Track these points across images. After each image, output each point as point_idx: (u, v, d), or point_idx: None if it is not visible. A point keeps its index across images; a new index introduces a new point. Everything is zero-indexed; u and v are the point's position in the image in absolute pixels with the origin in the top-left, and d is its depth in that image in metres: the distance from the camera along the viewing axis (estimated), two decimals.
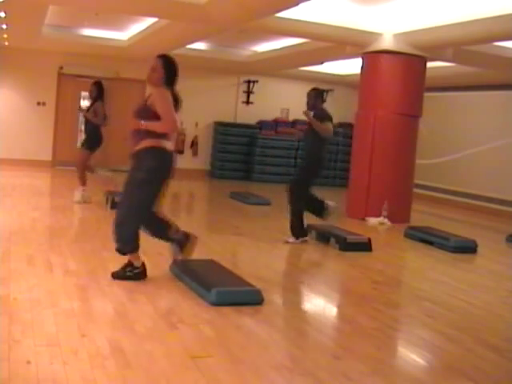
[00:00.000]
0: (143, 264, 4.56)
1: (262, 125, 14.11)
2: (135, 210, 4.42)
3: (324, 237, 6.79)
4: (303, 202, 6.66)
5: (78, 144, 8.71)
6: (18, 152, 12.41)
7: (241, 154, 14.02)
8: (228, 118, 14.20)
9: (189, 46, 11.31)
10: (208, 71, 13.67)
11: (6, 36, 10.81)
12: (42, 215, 7.29)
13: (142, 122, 4.33)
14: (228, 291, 4.18)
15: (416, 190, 10.00)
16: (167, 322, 3.69)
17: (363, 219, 8.74)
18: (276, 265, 5.98)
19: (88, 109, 8.43)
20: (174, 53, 11.43)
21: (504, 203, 11.00)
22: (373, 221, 8.62)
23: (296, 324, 4.07)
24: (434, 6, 7.73)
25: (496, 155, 11.28)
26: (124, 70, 12.65)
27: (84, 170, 8.23)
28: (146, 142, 4.35)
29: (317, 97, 6.70)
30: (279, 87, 14.37)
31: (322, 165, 6.75)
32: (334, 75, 13.56)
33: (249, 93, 14.37)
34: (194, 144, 14.02)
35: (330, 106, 14.39)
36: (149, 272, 4.63)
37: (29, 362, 2.89)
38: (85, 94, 10.50)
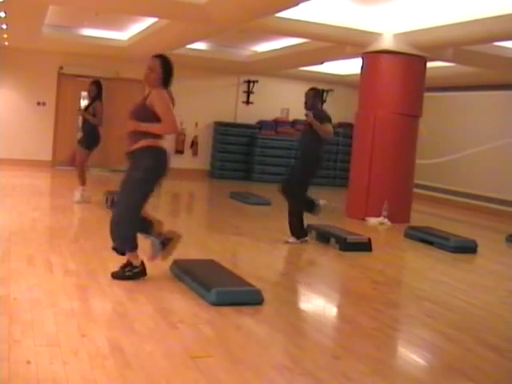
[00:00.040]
0: (142, 263, 4.56)
1: (261, 125, 14.11)
2: (133, 208, 4.43)
3: (324, 237, 6.79)
4: (303, 203, 6.66)
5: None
6: (18, 152, 12.40)
7: (241, 153, 14.02)
8: (228, 118, 14.20)
9: (189, 46, 11.31)
10: (208, 71, 13.67)
11: (5, 36, 10.81)
12: (42, 215, 7.29)
13: (142, 124, 4.33)
14: (228, 291, 4.18)
15: (416, 190, 10.00)
16: (167, 321, 3.69)
17: (363, 219, 8.74)
18: (276, 265, 5.98)
19: (86, 108, 8.38)
20: (174, 53, 11.45)
21: (504, 203, 10.99)
22: (373, 221, 8.62)
23: (296, 324, 4.07)
24: (434, 6, 7.73)
25: (496, 155, 11.28)
26: (124, 70, 12.64)
27: (83, 170, 8.23)
28: (143, 142, 4.37)
29: (315, 97, 6.69)
30: (279, 87, 14.37)
31: (320, 165, 6.75)
32: (334, 75, 13.56)
33: (249, 93, 14.37)
34: (193, 144, 14.02)
35: (329, 106, 14.55)
36: (149, 272, 4.63)
37: (29, 362, 2.89)
38: (85, 94, 10.47)
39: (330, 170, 14.40)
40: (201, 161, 14.15)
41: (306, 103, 6.66)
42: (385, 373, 3.22)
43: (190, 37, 10.18)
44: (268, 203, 9.72)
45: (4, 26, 9.87)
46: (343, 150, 14.05)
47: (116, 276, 4.50)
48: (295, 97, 13.75)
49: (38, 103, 12.80)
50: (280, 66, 12.78)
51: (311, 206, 6.79)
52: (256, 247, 6.48)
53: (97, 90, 8.25)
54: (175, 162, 13.68)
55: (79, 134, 8.69)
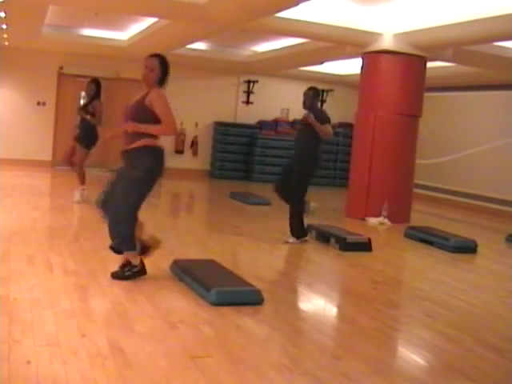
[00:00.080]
0: (141, 262, 4.56)
1: (261, 125, 14.11)
2: (132, 208, 4.44)
3: (324, 237, 6.79)
4: (303, 203, 6.66)
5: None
6: (18, 152, 12.40)
7: (241, 153, 14.02)
8: (228, 118, 14.20)
9: (189, 46, 11.31)
10: (208, 71, 13.67)
11: (6, 36, 10.81)
12: (42, 215, 7.29)
13: (142, 125, 4.33)
14: (228, 291, 4.18)
15: (416, 190, 10.00)
16: (167, 321, 3.69)
17: (363, 219, 8.74)
18: (276, 265, 5.99)
19: (84, 107, 8.30)
20: (174, 53, 11.46)
21: (504, 203, 10.99)
22: (373, 221, 8.62)
23: (296, 324, 4.07)
24: (434, 6, 7.73)
25: (496, 155, 11.28)
26: (124, 70, 12.63)
27: (83, 169, 8.21)
28: (143, 142, 4.37)
29: (314, 96, 6.69)
30: (279, 87, 14.37)
31: (318, 164, 6.75)
32: (334, 75, 13.56)
33: (249, 93, 14.37)
34: (193, 144, 14.02)
35: (329, 106, 14.58)
36: (149, 272, 4.63)
37: (29, 362, 2.89)
38: (84, 93, 10.45)
39: (330, 170, 14.41)
40: (201, 161, 14.15)
41: (304, 103, 6.66)
42: (385, 373, 3.22)
43: (190, 37, 10.18)
44: (268, 203, 9.71)
45: (4, 26, 9.88)
46: (343, 150, 14.05)
47: (116, 276, 4.50)
48: (295, 97, 13.71)
49: (38, 103, 12.80)
50: (280, 66, 12.78)
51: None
52: (256, 247, 6.49)
53: (96, 88, 8.18)
54: (175, 162, 13.75)
55: (76, 131, 8.58)
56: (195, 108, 13.80)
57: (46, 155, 12.85)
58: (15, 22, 9.45)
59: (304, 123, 6.61)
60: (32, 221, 6.67)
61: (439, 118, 12.40)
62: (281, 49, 11.18)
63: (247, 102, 14.41)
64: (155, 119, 4.36)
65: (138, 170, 4.37)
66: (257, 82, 14.24)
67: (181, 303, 4.12)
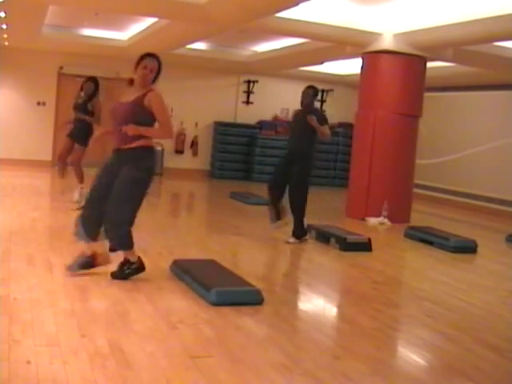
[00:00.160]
0: (139, 258, 4.57)
1: (261, 125, 14.11)
2: (133, 209, 4.44)
3: (324, 237, 6.79)
4: (305, 203, 6.65)
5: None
6: (18, 152, 12.40)
7: (241, 154, 14.02)
8: (228, 118, 14.20)
9: (189, 46, 11.31)
10: (208, 71, 13.67)
11: (5, 36, 10.81)
12: (42, 215, 7.29)
13: (141, 128, 4.33)
14: (228, 291, 4.18)
15: (416, 190, 10.00)
16: (167, 322, 3.69)
17: (363, 219, 8.74)
18: (276, 265, 5.99)
19: (83, 105, 8.21)
20: (174, 53, 11.47)
21: (504, 203, 11.00)
22: (373, 221, 8.62)
23: (296, 324, 4.07)
24: (434, 6, 7.73)
25: (496, 155, 11.28)
26: (124, 70, 12.59)
27: (81, 167, 8.19)
28: (141, 142, 4.38)
29: (314, 96, 6.70)
30: (279, 87, 14.37)
31: (314, 164, 6.76)
32: (334, 75, 13.56)
33: (249, 93, 14.37)
34: (193, 144, 14.02)
35: (329, 106, 14.59)
36: (149, 272, 4.63)
37: (29, 362, 2.89)
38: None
39: (330, 169, 14.41)
40: (201, 161, 14.15)
41: (302, 102, 6.66)
42: (385, 373, 3.22)
43: (190, 37, 10.18)
44: (268, 203, 9.70)
45: (4, 26, 9.87)
46: (343, 150, 14.04)
47: (116, 276, 4.50)
48: (295, 97, 13.73)
49: (38, 103, 12.80)
50: (280, 66, 12.78)
51: (278, 213, 6.73)
52: (256, 247, 6.49)
53: (94, 86, 8.13)
54: (175, 162, 13.78)
55: (69, 128, 8.48)
56: (195, 108, 13.80)
57: (46, 155, 12.84)
58: (15, 22, 9.45)
59: (294, 122, 6.62)
60: (32, 221, 6.67)
61: (439, 118, 12.40)
62: (281, 49, 11.18)
63: (247, 102, 14.41)
64: (152, 120, 4.40)
65: (140, 170, 4.38)
66: (257, 82, 14.24)
67: (181, 303, 4.12)
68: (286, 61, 11.83)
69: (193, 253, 5.77)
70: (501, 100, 11.45)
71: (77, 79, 12.66)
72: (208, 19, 7.83)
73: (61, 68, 12.81)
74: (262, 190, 11.24)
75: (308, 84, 6.89)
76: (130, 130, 4.31)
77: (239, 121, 14.25)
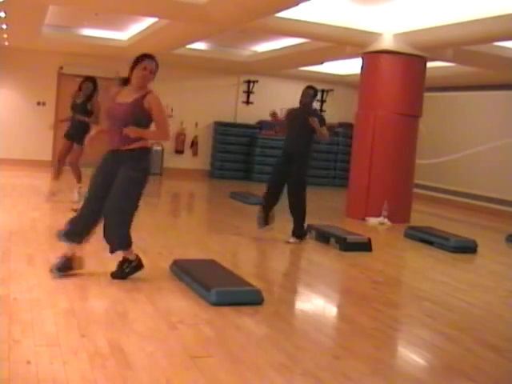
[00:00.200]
0: (137, 256, 4.58)
1: (261, 125, 14.10)
2: (135, 208, 4.47)
3: (324, 237, 6.79)
4: (304, 202, 6.64)
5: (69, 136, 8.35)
6: (18, 152, 12.40)
7: (241, 154, 14.02)
8: (228, 118, 14.20)
9: (189, 46, 11.32)
10: (208, 71, 13.67)
11: (5, 36, 10.81)
12: (42, 215, 7.29)
13: (141, 130, 4.35)
14: (228, 291, 4.18)
15: (416, 190, 10.00)
16: (167, 321, 3.69)
17: (363, 219, 8.74)
18: (276, 265, 5.99)
19: (82, 106, 8.19)
20: (174, 53, 11.48)
21: (504, 203, 11.00)
22: (373, 221, 8.62)
23: (296, 324, 4.07)
24: (434, 6, 7.73)
25: (496, 155, 11.28)
26: (124, 70, 12.51)
27: (78, 167, 8.20)
28: (141, 143, 4.40)
29: (313, 96, 6.72)
30: (279, 87, 14.36)
31: (311, 163, 6.80)
32: (334, 75, 13.56)
33: (249, 93, 14.37)
34: (193, 144, 14.02)
35: (329, 106, 14.60)
36: (149, 272, 4.64)
37: (29, 362, 2.89)
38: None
39: (330, 169, 14.41)
40: (201, 161, 14.15)
41: (301, 101, 6.67)
42: (385, 373, 3.22)
43: (190, 37, 10.18)
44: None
45: (4, 26, 9.88)
46: (343, 150, 14.04)
47: (116, 276, 4.51)
48: (295, 97, 13.76)
49: (38, 103, 12.80)
50: (280, 66, 12.78)
51: (266, 216, 6.70)
52: (256, 247, 6.49)
53: (93, 86, 8.11)
54: (175, 162, 13.78)
55: (66, 125, 8.44)
56: (195, 108, 13.80)
57: (46, 155, 12.84)
58: (15, 21, 9.45)
59: (290, 121, 6.60)
60: (32, 221, 6.67)
61: (439, 118, 12.40)
62: (281, 49, 11.18)
63: (247, 102, 14.41)
64: (149, 121, 4.42)
65: (138, 170, 4.40)
66: (257, 82, 14.24)
67: (181, 303, 4.12)
68: (286, 61, 11.83)
69: (193, 253, 5.77)
70: (501, 100, 11.45)
71: (76, 79, 12.69)
72: (208, 19, 7.83)
73: (61, 68, 12.81)
74: (261, 190, 11.21)
75: (308, 84, 6.90)
76: (132, 132, 4.30)
77: (239, 121, 14.25)
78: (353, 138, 9.43)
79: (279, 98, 14.47)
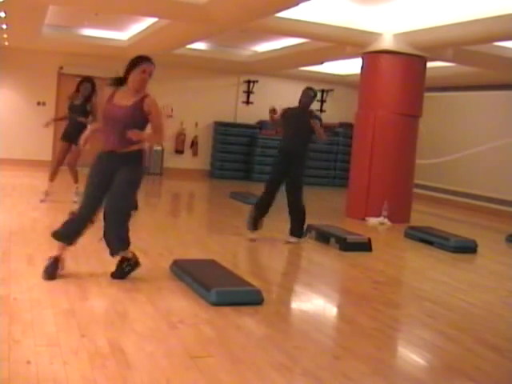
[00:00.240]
0: (133, 253, 4.60)
1: (261, 125, 14.11)
2: (131, 208, 4.53)
3: (324, 237, 6.79)
4: (302, 201, 6.65)
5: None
6: (18, 152, 12.40)
7: (241, 154, 14.02)
8: (228, 118, 14.20)
9: (189, 46, 11.31)
10: (208, 71, 13.67)
11: (5, 36, 10.81)
12: (42, 215, 7.30)
13: (143, 133, 4.40)
14: (228, 291, 4.18)
15: (416, 190, 10.00)
16: (167, 321, 3.69)
17: (363, 219, 8.74)
18: (276, 265, 5.98)
19: (81, 107, 8.17)
20: (174, 53, 11.48)
21: (504, 203, 11.00)
22: (373, 221, 8.62)
23: (296, 324, 4.07)
24: (434, 6, 7.73)
25: (496, 155, 11.28)
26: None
27: (76, 167, 8.20)
28: (139, 145, 4.44)
29: (313, 97, 6.74)
30: (279, 87, 14.36)
31: (307, 163, 6.82)
32: (334, 75, 13.56)
33: (249, 93, 14.37)
34: (193, 144, 14.02)
35: (329, 106, 14.60)
36: (149, 272, 4.64)
37: (29, 362, 2.89)
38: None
39: (330, 169, 14.41)
40: (201, 161, 14.15)
41: (300, 101, 6.67)
42: (385, 373, 3.22)
43: (190, 37, 10.17)
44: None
45: (4, 26, 9.87)
46: (343, 150, 14.05)
47: (116, 276, 4.52)
48: (295, 97, 13.76)
49: (38, 103, 12.80)
50: (280, 66, 12.78)
51: (256, 219, 6.65)
52: (256, 247, 6.48)
53: (91, 87, 8.11)
54: (175, 161, 13.78)
55: (63, 126, 8.44)
56: (195, 108, 13.80)
57: (46, 155, 12.82)
58: (15, 21, 9.45)
59: (288, 121, 6.59)
60: (32, 221, 6.67)
61: (439, 118, 12.40)
62: (281, 49, 11.18)
63: (247, 102, 14.41)
64: (145, 124, 4.44)
65: (136, 172, 4.45)
66: (257, 82, 14.24)
67: (181, 303, 4.12)
68: (286, 61, 11.83)
69: (193, 253, 5.77)
70: (501, 100, 11.45)
71: (76, 79, 12.69)
72: (208, 19, 7.83)
73: (61, 68, 12.81)
74: (262, 190, 11.25)
75: (308, 85, 6.91)
76: (135, 135, 4.32)
77: (239, 121, 14.25)
78: (353, 138, 9.43)
79: (279, 98, 14.41)
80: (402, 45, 8.51)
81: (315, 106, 13.63)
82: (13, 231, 5.96)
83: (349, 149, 10.32)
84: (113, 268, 4.58)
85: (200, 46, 11.85)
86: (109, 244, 4.53)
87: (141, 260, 4.65)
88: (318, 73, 13.30)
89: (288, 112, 6.74)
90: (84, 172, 8.28)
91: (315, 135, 6.57)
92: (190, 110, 13.73)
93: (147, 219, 7.73)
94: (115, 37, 11.56)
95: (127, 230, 4.50)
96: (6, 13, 8.73)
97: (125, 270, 4.54)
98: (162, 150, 13.28)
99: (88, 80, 8.17)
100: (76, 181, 8.18)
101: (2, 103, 12.54)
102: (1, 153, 12.06)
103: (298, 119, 6.56)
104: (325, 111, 14.63)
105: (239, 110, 14.39)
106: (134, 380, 2.83)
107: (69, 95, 8.44)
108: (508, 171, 10.95)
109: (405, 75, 8.74)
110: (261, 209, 6.67)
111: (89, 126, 7.89)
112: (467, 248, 7.06)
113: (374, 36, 8.57)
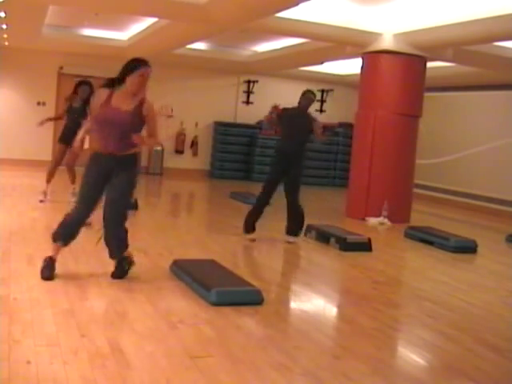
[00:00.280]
0: (129, 251, 4.61)
1: (261, 125, 14.09)
2: (126, 209, 4.57)
3: (324, 237, 6.79)
4: (299, 202, 6.67)
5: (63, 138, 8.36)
6: (18, 152, 12.40)
7: (241, 154, 14.02)
8: (228, 118, 14.20)
9: (189, 46, 11.32)
10: (208, 71, 13.67)
11: (5, 36, 10.81)
12: (42, 215, 7.30)
13: (144, 137, 4.45)
14: (228, 291, 4.18)
15: (416, 190, 10.00)
16: (167, 321, 3.69)
17: (363, 219, 8.74)
18: (276, 265, 5.99)
19: (81, 109, 8.13)
20: (174, 53, 11.48)
21: (504, 203, 10.99)
22: (373, 221, 8.62)
23: (296, 324, 4.07)
24: (434, 6, 7.73)
25: (496, 155, 11.28)
26: None
27: (74, 168, 8.20)
28: (138, 148, 4.49)
29: (313, 101, 6.78)
30: (279, 87, 14.35)
31: (305, 163, 6.86)
32: (334, 75, 13.56)
33: (249, 93, 14.37)
34: (193, 144, 14.02)
35: (329, 106, 14.59)
36: (149, 272, 4.64)
37: (29, 362, 2.89)
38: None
39: (330, 169, 14.41)
40: (201, 161, 14.15)
41: (300, 102, 6.68)
42: (385, 373, 3.22)
43: (190, 37, 10.17)
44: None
45: (4, 26, 9.87)
46: (343, 150, 14.04)
47: (117, 276, 4.52)
48: (295, 97, 13.76)
49: (38, 103, 12.80)
50: (280, 66, 12.78)
51: (251, 223, 6.68)
52: (256, 247, 6.48)
53: (90, 90, 8.09)
54: (175, 161, 13.78)
55: (60, 132, 8.45)
56: (195, 108, 13.80)
57: (46, 155, 12.79)
58: (15, 21, 9.45)
59: (286, 121, 6.60)
60: (32, 221, 6.67)
61: (439, 118, 12.40)
62: (281, 49, 11.18)
63: (247, 102, 14.41)
64: (142, 127, 4.45)
65: (133, 174, 4.50)
66: (257, 82, 14.24)
67: (181, 303, 4.12)
68: (285, 61, 11.83)
69: (193, 253, 5.77)
70: (501, 100, 11.45)
71: (75, 80, 12.69)
72: (208, 19, 7.83)
73: (61, 68, 12.81)
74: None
75: (309, 85, 6.94)
76: (138, 139, 4.36)
77: (239, 121, 14.25)
78: (353, 138, 9.43)
79: (279, 98, 14.33)
80: (402, 45, 8.51)
81: (315, 106, 13.64)
82: (13, 231, 5.96)
83: (349, 149, 10.32)
84: (112, 268, 4.58)
85: (200, 46, 11.85)
86: (108, 245, 4.54)
87: (141, 260, 4.66)
88: (318, 73, 13.30)
89: (286, 113, 6.73)
90: (81, 172, 8.26)
91: (313, 135, 6.59)
92: (190, 109, 13.73)
93: (147, 219, 7.73)
94: (115, 37, 11.56)
95: (126, 231, 4.52)
96: (6, 13, 8.73)
97: (125, 268, 4.55)
98: (162, 149, 13.28)
99: (86, 83, 8.17)
100: (73, 181, 8.18)
101: (2, 103, 12.54)
102: (1, 153, 12.06)
103: (297, 120, 6.57)
104: (325, 111, 14.63)
105: (239, 110, 14.39)
106: (134, 380, 2.83)
107: (66, 97, 8.44)
108: (508, 171, 10.95)
109: (405, 75, 8.74)
110: (257, 210, 6.68)
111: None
112: (467, 248, 7.06)
113: (373, 36, 8.57)
